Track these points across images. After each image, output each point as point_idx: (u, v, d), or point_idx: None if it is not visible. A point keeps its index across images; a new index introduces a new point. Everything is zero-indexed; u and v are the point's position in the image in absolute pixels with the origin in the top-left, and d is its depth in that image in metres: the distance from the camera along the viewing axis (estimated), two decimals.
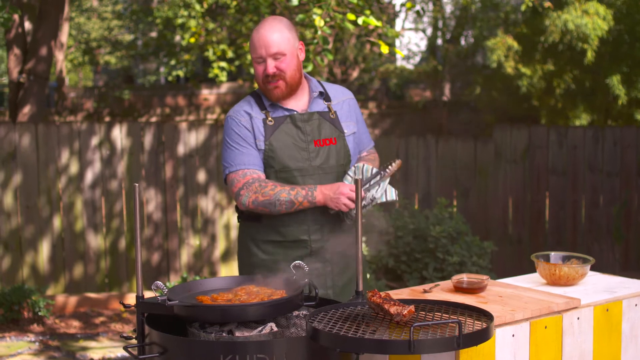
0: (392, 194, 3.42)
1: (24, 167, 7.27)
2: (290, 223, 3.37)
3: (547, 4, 9.28)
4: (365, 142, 3.64)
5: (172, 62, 12.70)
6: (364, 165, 3.45)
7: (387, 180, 3.40)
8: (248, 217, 3.46)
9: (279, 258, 3.37)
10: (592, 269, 3.35)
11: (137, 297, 2.66)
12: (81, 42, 19.36)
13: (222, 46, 10.65)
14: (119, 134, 7.49)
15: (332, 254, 3.41)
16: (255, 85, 11.01)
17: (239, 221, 3.55)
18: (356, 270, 2.75)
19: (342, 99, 3.55)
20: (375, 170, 3.41)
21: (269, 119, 3.39)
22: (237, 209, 3.53)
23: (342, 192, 3.26)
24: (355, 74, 14.88)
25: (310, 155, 3.38)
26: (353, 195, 3.24)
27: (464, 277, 3.04)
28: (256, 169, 3.37)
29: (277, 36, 3.30)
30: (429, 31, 19.24)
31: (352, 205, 3.25)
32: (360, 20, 5.98)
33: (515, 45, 11.47)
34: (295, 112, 3.41)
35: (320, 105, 3.48)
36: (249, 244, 3.47)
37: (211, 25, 10.80)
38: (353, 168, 3.46)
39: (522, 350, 2.68)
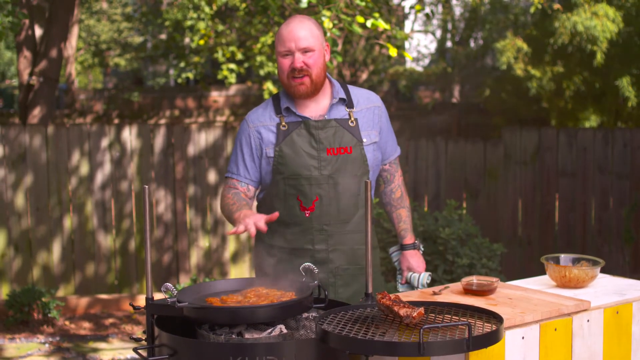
0: (427, 279, 3.57)
1: (35, 169, 7.29)
2: (296, 231, 3.34)
3: (556, 6, 9.27)
4: (389, 151, 3.55)
5: (182, 64, 12.73)
6: (419, 275, 3.53)
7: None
8: None
9: (284, 264, 3.32)
10: (602, 271, 3.35)
11: (147, 299, 2.67)
12: (91, 44, 19.43)
13: (232, 48, 10.68)
14: (129, 136, 7.51)
15: (337, 265, 3.37)
16: (265, 86, 11.03)
17: None
18: (365, 273, 2.75)
19: (366, 106, 3.44)
20: (429, 278, 3.50)
21: (283, 123, 3.32)
22: (256, 211, 3.51)
23: (247, 217, 3.04)
24: (364, 75, 14.88)
25: (321, 164, 3.29)
26: (250, 228, 3.00)
27: (474, 279, 3.04)
28: (241, 179, 3.39)
29: (307, 32, 3.25)
30: (439, 33, 19.26)
31: (243, 228, 3.01)
32: (369, 23, 5.99)
33: (524, 47, 11.46)
34: (309, 119, 3.32)
35: (341, 112, 3.37)
36: (260, 247, 3.45)
37: (220, 28, 10.83)
38: (407, 276, 3.58)
39: (531, 352, 2.67)
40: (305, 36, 3.24)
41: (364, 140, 3.37)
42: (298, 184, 3.30)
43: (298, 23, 3.27)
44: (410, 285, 3.57)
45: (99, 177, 7.47)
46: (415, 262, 3.59)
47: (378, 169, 3.51)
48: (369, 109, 3.44)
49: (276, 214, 3.01)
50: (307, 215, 3.31)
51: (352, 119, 3.36)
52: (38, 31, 8.20)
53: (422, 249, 3.69)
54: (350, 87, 3.48)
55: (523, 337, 2.65)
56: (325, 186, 3.30)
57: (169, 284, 2.62)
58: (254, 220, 2.98)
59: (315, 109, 3.36)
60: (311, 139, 3.31)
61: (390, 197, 3.63)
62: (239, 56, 10.68)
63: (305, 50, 3.25)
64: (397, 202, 3.62)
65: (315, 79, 3.28)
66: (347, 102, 3.40)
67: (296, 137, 3.31)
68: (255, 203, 3.52)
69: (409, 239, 3.62)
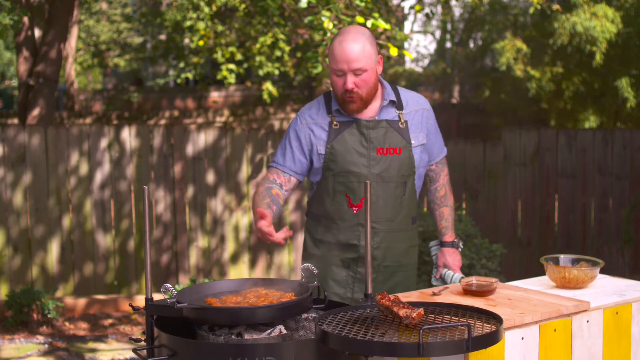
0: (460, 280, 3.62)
1: (34, 169, 7.29)
2: (344, 226, 3.45)
3: (556, 7, 9.27)
4: (436, 152, 3.64)
5: (181, 65, 12.71)
6: (453, 274, 3.62)
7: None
8: (311, 215, 3.60)
9: (329, 257, 3.48)
10: (602, 272, 3.34)
11: (146, 300, 2.67)
12: (90, 45, 19.42)
13: (231, 49, 10.67)
14: (128, 136, 7.51)
15: (379, 262, 3.48)
16: (264, 86, 11.02)
17: (306, 218, 3.70)
18: (365, 273, 2.75)
19: (415, 108, 3.54)
20: (460, 277, 3.56)
21: (335, 122, 3.43)
22: (307, 207, 3.66)
23: (259, 226, 3.09)
24: None
25: (370, 163, 3.40)
26: (265, 232, 3.05)
27: (473, 280, 3.04)
28: (286, 171, 3.47)
29: (359, 52, 3.28)
30: (438, 34, 19.26)
31: (264, 238, 3.08)
32: (369, 23, 5.98)
33: (524, 47, 11.47)
34: (360, 119, 3.42)
35: (391, 114, 3.47)
36: (308, 241, 3.60)
37: (220, 28, 10.82)
38: (442, 272, 3.67)
39: (531, 353, 2.67)
40: (357, 57, 3.29)
41: (413, 142, 3.48)
42: (347, 181, 3.41)
43: (351, 42, 3.29)
44: (443, 281, 3.68)
45: (98, 177, 7.46)
46: (452, 260, 3.72)
47: (424, 171, 3.63)
48: (417, 112, 3.55)
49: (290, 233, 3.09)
50: (355, 211, 3.43)
51: (402, 120, 3.47)
52: (37, 32, 8.20)
53: (462, 247, 3.79)
54: (400, 89, 3.58)
55: (522, 338, 2.65)
56: (374, 184, 3.41)
57: (168, 285, 2.62)
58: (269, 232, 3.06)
59: (366, 110, 3.45)
60: (362, 138, 3.42)
61: (434, 195, 3.74)
62: (239, 56, 10.67)
63: (357, 72, 3.31)
64: (441, 200, 3.73)
65: (366, 97, 3.38)
66: (397, 104, 3.50)
67: (348, 135, 3.42)
68: (291, 200, 3.64)
69: (449, 236, 3.74)
